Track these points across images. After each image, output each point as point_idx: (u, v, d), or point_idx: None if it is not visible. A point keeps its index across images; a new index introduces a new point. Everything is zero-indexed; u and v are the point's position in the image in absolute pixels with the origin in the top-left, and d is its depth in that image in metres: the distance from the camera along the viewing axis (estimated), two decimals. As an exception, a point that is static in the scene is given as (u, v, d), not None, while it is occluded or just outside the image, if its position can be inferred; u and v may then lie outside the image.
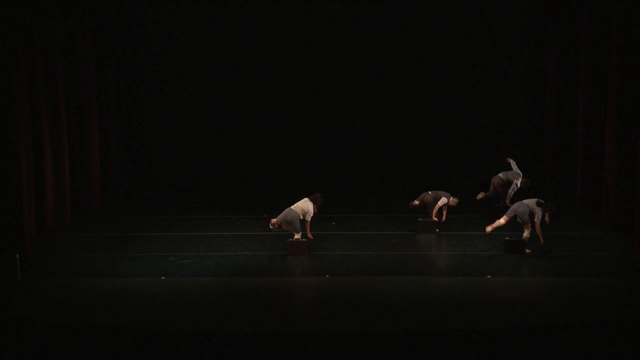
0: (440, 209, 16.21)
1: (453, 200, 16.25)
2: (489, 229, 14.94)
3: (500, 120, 20.63)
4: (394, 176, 20.59)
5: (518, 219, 14.61)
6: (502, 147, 20.35)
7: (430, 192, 16.25)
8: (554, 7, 18.95)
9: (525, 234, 14.50)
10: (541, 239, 14.53)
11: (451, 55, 20.51)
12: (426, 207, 16.27)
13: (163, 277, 13.68)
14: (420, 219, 16.25)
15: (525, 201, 14.70)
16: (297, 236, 14.84)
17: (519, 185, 17.45)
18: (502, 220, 14.79)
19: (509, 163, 17.57)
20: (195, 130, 20.96)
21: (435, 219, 16.19)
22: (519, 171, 17.51)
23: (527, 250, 14.57)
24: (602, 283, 13.20)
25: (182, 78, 20.78)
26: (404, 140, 20.85)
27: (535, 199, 14.68)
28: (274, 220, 14.83)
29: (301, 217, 14.87)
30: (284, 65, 20.69)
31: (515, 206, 14.74)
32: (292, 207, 14.92)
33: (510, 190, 17.43)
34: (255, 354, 10.84)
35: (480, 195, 17.56)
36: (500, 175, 17.67)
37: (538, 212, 14.43)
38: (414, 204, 16.27)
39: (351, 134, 20.89)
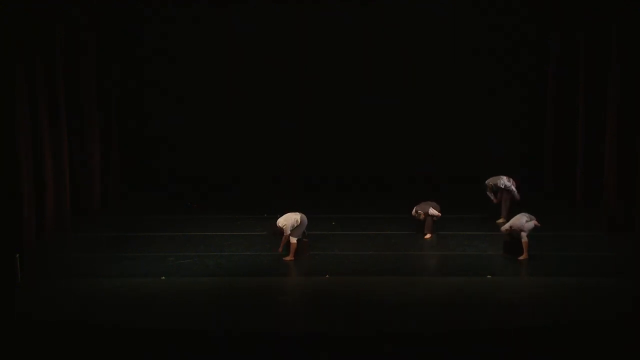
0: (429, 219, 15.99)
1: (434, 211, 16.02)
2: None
3: (500, 120, 20.62)
4: (394, 176, 20.58)
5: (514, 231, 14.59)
6: (502, 147, 20.36)
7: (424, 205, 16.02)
8: (554, 7, 18.95)
9: (524, 239, 14.43)
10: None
11: (451, 55, 20.50)
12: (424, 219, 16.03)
13: (163, 277, 13.68)
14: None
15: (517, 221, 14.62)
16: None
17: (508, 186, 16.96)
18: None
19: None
20: (195, 130, 20.95)
21: (430, 235, 16.04)
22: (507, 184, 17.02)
23: (524, 256, 14.44)
24: (602, 283, 13.20)
25: (182, 78, 20.77)
26: (403, 140, 20.83)
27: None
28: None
29: (283, 225, 14.68)
30: (285, 65, 20.68)
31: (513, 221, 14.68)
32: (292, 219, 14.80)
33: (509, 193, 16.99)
34: (255, 354, 10.84)
35: (501, 221, 16.69)
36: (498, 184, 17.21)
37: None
38: (418, 214, 15.98)
39: (351, 134, 20.87)
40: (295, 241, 14.62)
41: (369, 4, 20.35)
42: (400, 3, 20.30)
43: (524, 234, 14.38)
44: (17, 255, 13.35)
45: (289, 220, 14.62)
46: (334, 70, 20.68)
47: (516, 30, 20.28)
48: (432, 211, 15.83)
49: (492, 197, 16.94)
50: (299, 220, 14.65)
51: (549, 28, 19.43)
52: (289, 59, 20.66)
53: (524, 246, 14.38)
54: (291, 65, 20.67)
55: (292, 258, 14.60)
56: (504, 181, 16.73)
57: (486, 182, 16.98)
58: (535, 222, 14.56)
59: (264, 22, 20.44)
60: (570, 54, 18.35)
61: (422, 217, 15.88)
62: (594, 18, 16.96)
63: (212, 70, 20.73)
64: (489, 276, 13.65)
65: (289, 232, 14.54)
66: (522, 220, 14.51)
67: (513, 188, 16.71)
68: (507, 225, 14.73)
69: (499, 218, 16.86)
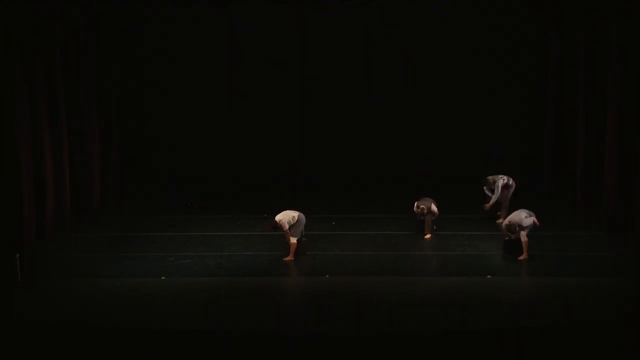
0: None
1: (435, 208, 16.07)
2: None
3: (500, 120, 20.62)
4: (394, 176, 20.58)
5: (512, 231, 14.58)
6: (502, 147, 20.37)
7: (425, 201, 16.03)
8: (554, 7, 18.95)
9: (524, 239, 14.41)
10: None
11: (451, 55, 20.50)
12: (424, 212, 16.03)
13: (163, 277, 13.68)
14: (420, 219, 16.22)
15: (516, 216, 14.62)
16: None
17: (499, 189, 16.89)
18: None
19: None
20: (195, 130, 20.95)
21: (430, 235, 16.05)
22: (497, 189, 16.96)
23: (524, 256, 14.43)
24: (602, 283, 13.20)
25: (182, 78, 20.77)
26: (403, 140, 20.84)
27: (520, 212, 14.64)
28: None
29: (279, 220, 14.69)
30: (285, 65, 20.68)
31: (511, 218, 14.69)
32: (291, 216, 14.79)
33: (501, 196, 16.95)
34: (255, 354, 10.84)
35: (500, 221, 16.56)
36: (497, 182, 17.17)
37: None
38: (421, 209, 15.97)
39: (351, 133, 20.88)
40: (295, 241, 14.63)
41: (369, 4, 20.35)
42: (400, 3, 20.29)
43: (523, 234, 14.36)
44: (17, 255, 13.34)
45: (285, 216, 14.64)
46: (334, 70, 20.68)
47: (516, 30, 20.28)
48: (434, 207, 15.85)
49: (489, 194, 16.89)
50: (296, 218, 14.65)
51: (549, 28, 19.45)
52: (289, 59, 20.67)
53: (524, 246, 14.38)
54: (291, 65, 20.67)
55: (292, 258, 14.61)
56: (499, 183, 16.70)
57: (487, 177, 16.93)
58: (535, 219, 14.51)
59: (264, 22, 20.45)
60: (570, 54, 18.36)
61: (425, 211, 15.84)
62: (594, 18, 16.97)
63: (212, 70, 20.73)
64: (489, 276, 13.65)
65: (287, 226, 14.55)
66: (521, 216, 14.47)
67: (497, 192, 16.61)
68: (506, 221, 14.73)
69: (499, 218, 16.86)
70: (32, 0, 15.34)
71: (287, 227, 14.56)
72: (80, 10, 17.22)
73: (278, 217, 14.64)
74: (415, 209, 16.01)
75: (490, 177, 16.90)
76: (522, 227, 14.38)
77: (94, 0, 17.94)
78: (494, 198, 16.65)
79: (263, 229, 14.78)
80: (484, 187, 16.95)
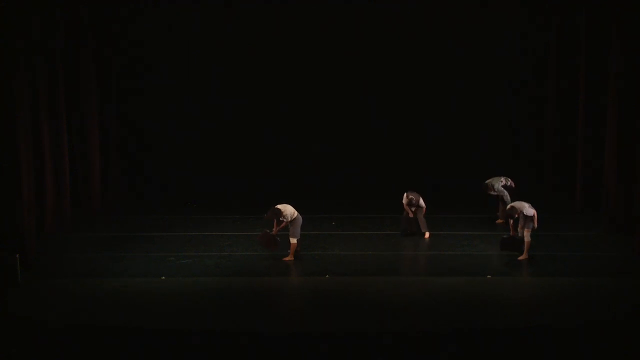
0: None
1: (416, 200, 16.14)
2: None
3: (500, 120, 20.61)
4: (393, 176, 20.56)
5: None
6: (502, 147, 20.36)
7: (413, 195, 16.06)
8: (554, 6, 18.95)
9: (527, 238, 14.40)
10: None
11: (451, 55, 20.48)
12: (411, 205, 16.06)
13: (163, 277, 13.69)
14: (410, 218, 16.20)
15: (517, 203, 14.63)
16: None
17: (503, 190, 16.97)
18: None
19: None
20: (195, 130, 20.94)
21: (428, 233, 16.05)
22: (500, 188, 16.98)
23: (524, 257, 14.43)
24: (602, 283, 13.21)
25: (183, 78, 20.75)
26: (403, 140, 20.82)
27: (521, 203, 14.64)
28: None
29: (283, 210, 14.75)
30: (284, 64, 20.65)
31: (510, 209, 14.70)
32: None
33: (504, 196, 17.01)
34: (255, 354, 10.84)
35: (499, 221, 16.83)
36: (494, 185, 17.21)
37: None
38: (410, 199, 16.01)
39: (351, 133, 20.86)
40: (295, 241, 14.64)
41: (369, 5, 20.32)
42: (397, 4, 20.26)
43: (527, 234, 14.36)
44: (17, 255, 13.34)
45: (287, 208, 14.66)
46: (335, 71, 20.64)
47: (516, 30, 20.25)
48: (422, 202, 15.86)
49: (493, 194, 16.86)
50: (295, 215, 14.67)
51: (549, 27, 19.42)
52: (289, 59, 20.64)
53: (526, 246, 14.38)
54: (292, 65, 20.64)
55: (292, 258, 14.62)
56: (498, 185, 16.70)
57: (486, 182, 16.96)
58: (535, 213, 14.45)
59: (264, 23, 20.43)
60: (571, 54, 18.35)
61: (414, 201, 15.84)
62: (593, 17, 16.97)
63: (212, 71, 20.72)
64: (489, 276, 13.66)
65: (289, 218, 14.56)
66: (524, 204, 14.48)
67: (505, 193, 16.66)
68: (508, 206, 14.70)
69: (498, 218, 16.86)
70: (33, 2, 15.33)
71: (289, 219, 14.58)
72: (81, 10, 17.23)
73: (280, 207, 14.65)
74: (405, 199, 15.98)
75: (488, 182, 16.90)
76: (522, 215, 14.32)
77: (95, 1, 17.94)
78: (506, 198, 16.59)
79: (265, 216, 14.71)
80: (488, 192, 16.89)
